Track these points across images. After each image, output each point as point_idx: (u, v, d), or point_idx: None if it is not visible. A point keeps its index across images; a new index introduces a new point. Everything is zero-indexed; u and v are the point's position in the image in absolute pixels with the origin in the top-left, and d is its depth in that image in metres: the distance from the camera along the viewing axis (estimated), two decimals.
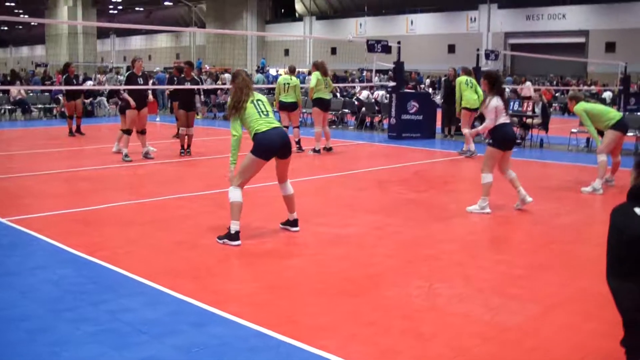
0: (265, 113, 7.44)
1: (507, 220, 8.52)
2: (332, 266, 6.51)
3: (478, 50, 20.90)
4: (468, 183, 11.56)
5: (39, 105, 24.98)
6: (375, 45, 18.49)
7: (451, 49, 55.06)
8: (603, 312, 5.12)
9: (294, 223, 7.86)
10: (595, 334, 4.83)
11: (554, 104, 32.58)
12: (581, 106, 10.76)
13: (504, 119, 8.91)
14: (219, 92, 26.49)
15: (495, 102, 8.88)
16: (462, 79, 15.74)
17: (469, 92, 15.45)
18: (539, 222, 8.43)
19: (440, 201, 9.85)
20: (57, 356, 4.36)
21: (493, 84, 9.02)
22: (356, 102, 22.64)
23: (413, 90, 24.44)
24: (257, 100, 7.50)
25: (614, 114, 10.91)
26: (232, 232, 7.23)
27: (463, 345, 4.59)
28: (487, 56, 21.20)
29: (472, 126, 14.68)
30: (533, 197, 9.19)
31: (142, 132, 13.95)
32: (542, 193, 10.40)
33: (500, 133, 8.91)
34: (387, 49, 18.86)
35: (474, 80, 15.78)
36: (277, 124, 7.46)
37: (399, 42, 19.35)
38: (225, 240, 7.24)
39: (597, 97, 30.54)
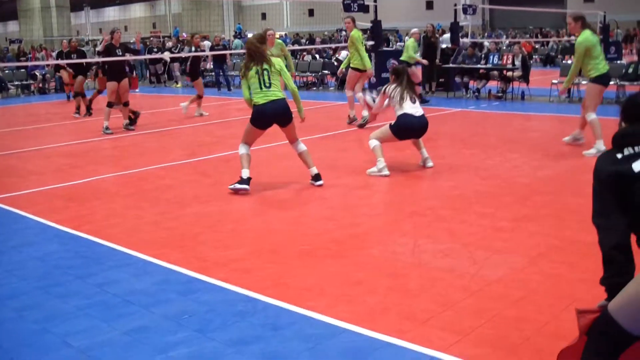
0: (267, 85, 7.79)
1: (490, 174, 8.55)
2: (316, 228, 6.53)
3: (455, 5, 20.82)
4: (450, 139, 11.57)
5: (16, 82, 24.71)
6: (352, 5, 18.34)
7: (429, 5, 54.87)
8: (587, 261, 5.17)
9: (315, 177, 8.17)
10: (580, 282, 4.88)
11: (534, 56, 32.59)
12: (587, 40, 9.46)
13: (408, 109, 8.78)
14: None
15: (389, 88, 8.97)
16: (358, 34, 13.34)
17: (363, 51, 13.37)
18: (522, 175, 8.46)
19: None
20: (47, 332, 4.36)
21: (397, 76, 9.01)
22: (335, 63, 22.53)
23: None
24: (264, 69, 7.79)
25: (604, 64, 9.69)
26: (243, 177, 7.89)
27: (450, 300, 4.63)
28: (464, 11, 21.15)
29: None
30: (517, 150, 9.21)
31: (124, 104, 13.93)
32: (525, 145, 10.43)
33: (402, 122, 8.81)
34: (364, 8, 18.72)
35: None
36: (274, 97, 7.83)
37: (375, 0, 19.21)
38: (236, 185, 7.88)
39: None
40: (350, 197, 7.72)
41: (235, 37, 43.51)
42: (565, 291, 4.73)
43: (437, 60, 18.80)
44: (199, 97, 16.07)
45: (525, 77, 17.04)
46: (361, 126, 12.99)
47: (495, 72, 17.46)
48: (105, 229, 6.74)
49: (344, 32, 32.42)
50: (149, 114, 16.43)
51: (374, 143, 8.84)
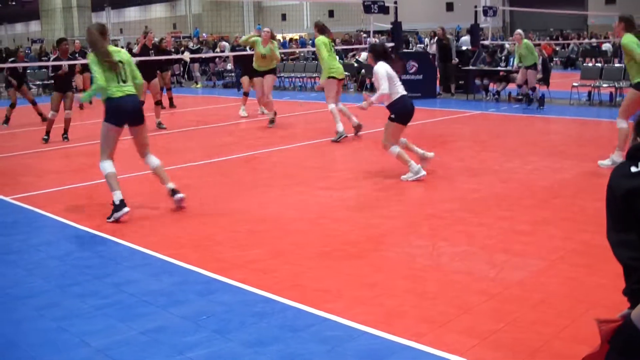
0: (124, 79, 7.23)
1: (509, 177, 8.50)
2: (334, 229, 6.53)
3: (476, 7, 20.74)
4: (470, 141, 11.52)
5: (37, 82, 24.88)
6: (372, 6, 18.35)
7: (449, 7, 54.58)
8: (606, 264, 5.12)
9: (173, 192, 7.43)
10: (599, 286, 4.84)
11: (554, 59, 32.40)
12: (631, 42, 8.65)
13: (402, 91, 8.50)
14: (217, 60, 26.35)
15: (381, 67, 8.46)
16: (321, 41, 12.16)
17: (332, 57, 12.24)
18: (542, 178, 8.41)
19: (442, 160, 9.82)
20: (66, 331, 4.38)
21: (377, 56, 8.61)
22: (355, 65, 22.51)
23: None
24: (120, 61, 7.22)
25: None
26: (116, 202, 7.00)
27: (467, 303, 4.61)
28: (485, 12, 21.06)
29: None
30: (536, 153, 9.14)
31: (156, 103, 14.33)
32: (544, 148, 10.37)
33: (399, 106, 8.52)
34: (384, 9, 18.72)
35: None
36: (130, 92, 7.26)
37: (395, 2, 19.18)
38: (113, 215, 6.97)
39: (597, 50, 30.40)
40: (368, 198, 7.71)
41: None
42: (585, 295, 4.70)
43: (453, 61, 18.76)
44: (245, 94, 16.15)
45: (545, 80, 16.94)
46: (336, 141, 11.70)
47: (516, 75, 17.36)
48: (124, 228, 6.76)
49: (364, 34, 32.44)
50: (168, 114, 16.49)
51: (395, 151, 8.53)
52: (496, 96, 17.76)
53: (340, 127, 11.76)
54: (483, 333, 4.13)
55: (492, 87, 17.93)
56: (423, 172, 8.44)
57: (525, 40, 15.90)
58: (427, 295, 4.80)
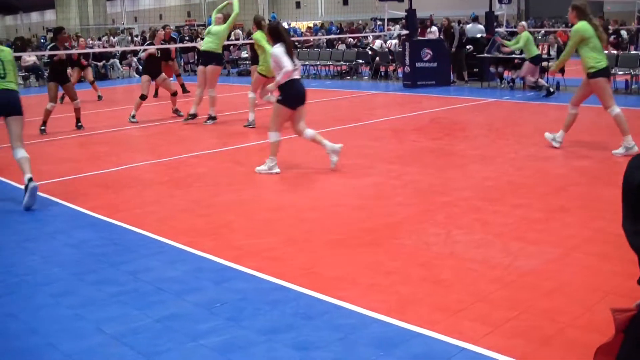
0: (2, 75, 7.50)
1: (524, 165, 8.47)
2: (349, 217, 6.53)
3: None
4: (485, 129, 11.49)
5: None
6: None
7: None
8: (621, 252, 5.09)
9: (29, 180, 7.31)
10: (614, 274, 4.82)
11: None
12: (583, 28, 8.89)
13: (295, 75, 8.37)
14: (231, 48, 26.33)
15: (278, 48, 8.25)
16: (258, 35, 12.12)
17: (267, 55, 11.38)
18: (557, 166, 8.38)
19: (457, 148, 9.81)
20: (82, 318, 4.42)
21: (276, 36, 8.38)
22: (370, 52, 22.46)
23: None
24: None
25: (604, 58, 9.09)
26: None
27: (482, 291, 4.61)
28: (500, 0, 20.92)
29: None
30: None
31: (172, 94, 14.44)
32: None
33: (290, 89, 8.35)
34: None
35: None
36: (5, 87, 7.51)
37: None
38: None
39: (614, 37, 30.13)
40: (382, 186, 7.70)
41: None
42: (599, 283, 4.68)
43: (453, 48, 19.29)
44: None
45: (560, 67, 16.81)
46: (246, 126, 12.36)
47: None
48: (139, 216, 6.80)
49: (379, 22, 32.34)
50: (183, 102, 16.51)
51: (272, 138, 8.45)
52: (511, 84, 17.66)
53: (252, 117, 12.37)
54: (497, 321, 4.12)
55: (507, 74, 17.83)
56: (277, 170, 8.42)
57: (526, 33, 15.80)
58: (442, 283, 4.80)
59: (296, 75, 8.42)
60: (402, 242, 5.74)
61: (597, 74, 8.99)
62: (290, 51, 8.33)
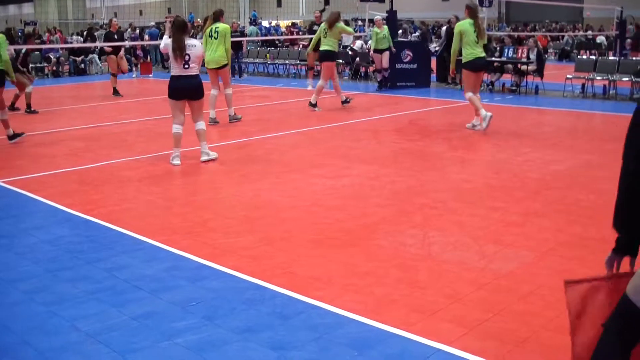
0: None
1: (501, 168, 8.52)
2: (327, 217, 6.53)
3: None
4: (463, 131, 11.53)
5: (30, 65, 24.71)
6: None
7: None
8: (597, 257, 5.13)
9: None
10: None
11: (549, 50, 32.40)
12: (463, 27, 11.21)
13: (175, 72, 8.94)
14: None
15: (164, 40, 9.13)
16: (226, 27, 12.32)
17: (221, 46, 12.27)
18: (534, 169, 8.43)
19: (435, 150, 9.85)
20: (56, 315, 4.39)
21: (183, 31, 8.87)
22: (350, 52, 22.47)
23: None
24: None
25: (477, 51, 11.20)
26: None
27: (458, 293, 4.63)
28: (481, 3, 21.00)
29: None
30: (529, 144, 9.16)
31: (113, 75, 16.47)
32: (537, 139, 10.39)
33: (170, 84, 9.04)
34: None
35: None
36: None
37: None
38: None
39: (592, 43, 30.42)
40: (361, 187, 7.72)
41: (250, 24, 43.50)
42: None
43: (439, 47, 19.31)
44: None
45: (539, 71, 16.96)
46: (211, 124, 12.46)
47: (510, 66, 17.39)
48: (117, 213, 6.76)
49: (360, 22, 32.35)
50: (160, 100, 16.43)
51: (174, 129, 9.19)
52: (490, 87, 17.76)
53: (212, 114, 12.53)
54: (472, 322, 4.15)
55: (486, 77, 17.92)
56: (177, 162, 8.99)
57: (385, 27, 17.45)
58: (418, 285, 4.82)
59: (176, 73, 8.92)
60: (379, 243, 5.75)
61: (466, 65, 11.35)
62: (177, 49, 8.79)
